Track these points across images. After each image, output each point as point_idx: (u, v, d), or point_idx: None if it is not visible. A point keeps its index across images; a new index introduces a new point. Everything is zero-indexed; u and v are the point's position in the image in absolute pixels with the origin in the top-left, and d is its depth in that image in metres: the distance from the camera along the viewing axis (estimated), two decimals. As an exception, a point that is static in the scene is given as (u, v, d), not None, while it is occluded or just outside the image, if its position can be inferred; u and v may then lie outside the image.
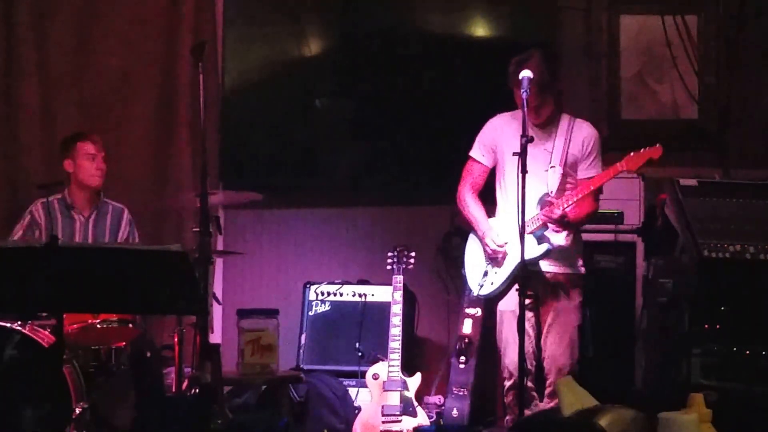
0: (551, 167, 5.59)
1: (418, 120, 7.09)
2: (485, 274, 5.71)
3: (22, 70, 6.79)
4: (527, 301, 5.36)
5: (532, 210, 5.50)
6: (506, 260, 5.61)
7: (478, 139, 5.80)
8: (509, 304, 5.63)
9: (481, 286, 5.72)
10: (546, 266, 5.61)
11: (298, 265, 7.15)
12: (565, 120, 5.67)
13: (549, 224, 5.51)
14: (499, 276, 5.64)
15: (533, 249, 5.50)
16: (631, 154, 5.42)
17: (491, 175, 5.79)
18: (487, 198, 5.80)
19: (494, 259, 5.66)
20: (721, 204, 5.89)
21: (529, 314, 5.55)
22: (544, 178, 5.58)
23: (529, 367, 5.61)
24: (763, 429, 5.14)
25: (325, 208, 7.25)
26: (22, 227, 6.16)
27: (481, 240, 5.70)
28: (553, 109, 5.62)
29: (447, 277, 7.08)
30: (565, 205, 5.48)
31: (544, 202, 5.55)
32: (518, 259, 5.33)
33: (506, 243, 5.59)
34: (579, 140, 5.63)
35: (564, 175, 5.61)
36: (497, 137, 5.73)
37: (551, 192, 5.56)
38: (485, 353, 6.57)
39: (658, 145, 5.37)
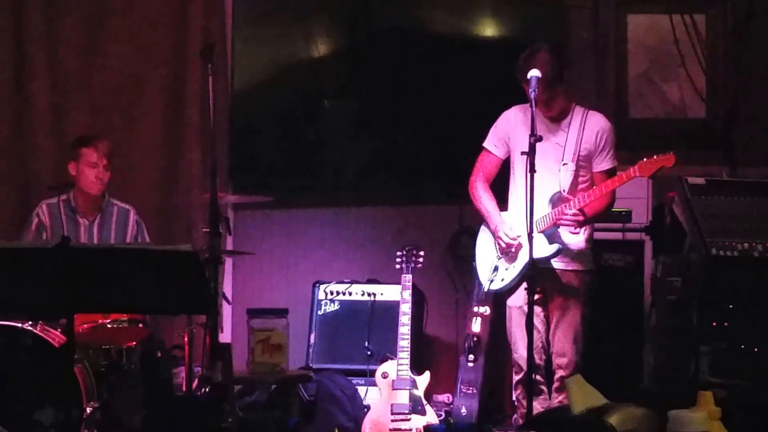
0: (563, 164, 5.60)
1: (426, 119, 7.11)
2: (496, 269, 5.72)
3: (32, 72, 6.80)
4: (535, 297, 5.38)
5: (544, 208, 5.52)
6: (519, 256, 5.61)
7: (492, 130, 5.81)
8: (517, 299, 5.66)
9: (491, 281, 5.74)
10: (555, 262, 5.62)
11: (307, 265, 7.17)
12: (578, 112, 5.67)
13: (563, 223, 5.52)
14: (510, 273, 5.66)
15: (544, 248, 5.51)
16: (645, 159, 5.41)
17: (505, 168, 5.80)
18: (499, 191, 5.81)
19: (507, 253, 5.67)
20: (728, 202, 5.90)
21: (537, 309, 5.57)
22: (556, 175, 5.59)
23: (539, 361, 5.63)
24: (772, 426, 5.15)
25: (334, 208, 7.26)
26: (30, 232, 6.14)
27: (494, 233, 5.72)
28: (564, 101, 5.62)
29: (456, 275, 7.10)
30: (581, 206, 5.48)
31: (556, 200, 5.55)
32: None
33: (519, 236, 5.59)
34: (592, 133, 5.62)
35: (576, 171, 5.62)
36: (510, 129, 5.73)
37: (564, 190, 5.57)
38: (494, 352, 6.59)
39: (671, 153, 5.38)
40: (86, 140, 6.20)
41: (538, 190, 5.29)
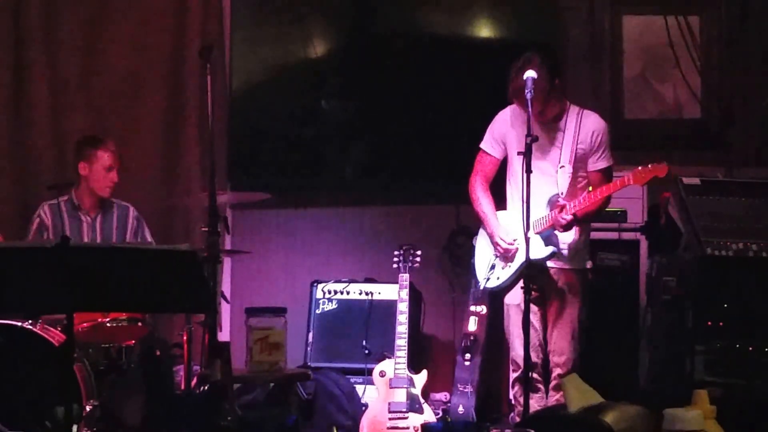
0: (561, 167, 5.63)
1: (423, 120, 7.13)
2: (492, 267, 5.75)
3: (32, 72, 6.82)
4: (533, 295, 5.41)
5: (541, 210, 5.55)
6: (515, 257, 5.65)
7: (488, 131, 5.83)
8: (515, 297, 5.68)
9: (487, 279, 5.77)
10: (552, 261, 5.65)
11: (305, 264, 7.19)
12: (573, 112, 5.68)
13: (557, 227, 5.56)
14: (506, 272, 5.68)
15: (540, 250, 5.54)
16: (639, 168, 5.42)
17: (503, 167, 5.83)
18: (498, 190, 5.84)
19: (504, 256, 5.70)
20: (723, 202, 5.93)
21: (535, 308, 5.60)
22: (554, 177, 5.62)
23: (536, 359, 5.66)
24: (767, 425, 5.17)
25: (332, 207, 7.29)
26: (31, 233, 6.18)
27: (491, 238, 5.75)
28: (558, 104, 5.64)
29: (452, 275, 7.13)
30: (574, 211, 5.50)
31: (553, 203, 5.58)
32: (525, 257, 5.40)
33: (515, 240, 5.62)
34: (588, 133, 5.63)
35: (574, 173, 5.65)
36: (506, 130, 5.76)
37: (562, 193, 5.60)
38: (490, 350, 6.62)
39: (664, 163, 5.40)
40: (99, 142, 6.21)
41: (537, 192, 5.33)
